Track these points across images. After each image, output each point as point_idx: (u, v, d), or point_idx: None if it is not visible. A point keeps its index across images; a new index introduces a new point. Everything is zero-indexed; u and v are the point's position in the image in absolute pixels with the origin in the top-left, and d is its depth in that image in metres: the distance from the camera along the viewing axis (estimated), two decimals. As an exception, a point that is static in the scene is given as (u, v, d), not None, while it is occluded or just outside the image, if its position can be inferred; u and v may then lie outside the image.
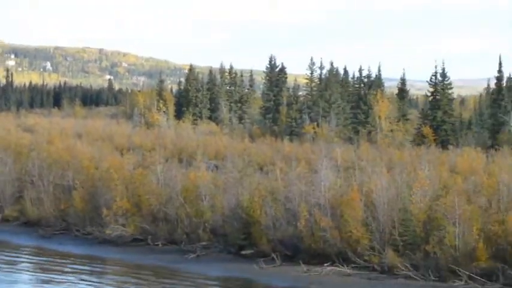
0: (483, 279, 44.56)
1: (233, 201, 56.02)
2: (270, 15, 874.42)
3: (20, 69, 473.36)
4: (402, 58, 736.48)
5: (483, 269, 45.02)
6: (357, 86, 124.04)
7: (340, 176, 57.66)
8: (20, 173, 71.72)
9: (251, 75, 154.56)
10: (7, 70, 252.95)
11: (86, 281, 48.97)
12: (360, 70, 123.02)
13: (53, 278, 49.79)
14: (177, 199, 58.47)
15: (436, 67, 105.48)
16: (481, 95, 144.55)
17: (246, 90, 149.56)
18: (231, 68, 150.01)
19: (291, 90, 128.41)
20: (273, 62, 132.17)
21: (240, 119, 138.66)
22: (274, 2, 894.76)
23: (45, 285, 47.81)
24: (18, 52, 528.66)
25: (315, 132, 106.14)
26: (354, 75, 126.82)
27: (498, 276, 44.43)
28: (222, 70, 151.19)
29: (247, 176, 60.11)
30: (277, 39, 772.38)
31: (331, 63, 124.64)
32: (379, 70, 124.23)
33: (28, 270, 52.72)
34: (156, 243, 57.83)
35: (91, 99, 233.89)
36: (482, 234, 46.06)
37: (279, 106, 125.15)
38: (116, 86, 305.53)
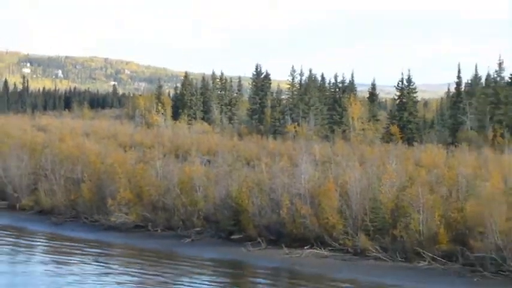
0: (444, 260, 44.56)
1: (223, 192, 55.85)
2: (259, 26, 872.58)
3: (34, 76, 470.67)
4: (372, 65, 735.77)
5: (444, 251, 45.02)
6: (332, 90, 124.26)
7: (318, 169, 57.57)
8: (34, 167, 71.41)
9: (239, 81, 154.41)
10: (23, 77, 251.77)
11: (96, 262, 48.75)
12: (336, 76, 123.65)
13: (66, 259, 49.55)
14: (174, 190, 58.23)
15: (402, 74, 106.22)
16: (442, 98, 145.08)
17: (235, 94, 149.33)
18: (222, 74, 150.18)
19: (274, 94, 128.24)
20: (258, 70, 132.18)
21: (230, 119, 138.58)
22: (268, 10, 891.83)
23: (60, 265, 47.56)
24: (33, 61, 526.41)
25: (295, 131, 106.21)
26: (330, 81, 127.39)
27: (457, 257, 44.42)
28: (213, 76, 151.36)
29: (236, 170, 59.96)
30: (263, 49, 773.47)
31: (310, 71, 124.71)
32: (352, 76, 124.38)
33: (44, 253, 52.41)
34: (155, 229, 57.59)
35: (98, 102, 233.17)
36: (443, 221, 46.05)
37: (264, 108, 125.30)
38: (120, 91, 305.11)
